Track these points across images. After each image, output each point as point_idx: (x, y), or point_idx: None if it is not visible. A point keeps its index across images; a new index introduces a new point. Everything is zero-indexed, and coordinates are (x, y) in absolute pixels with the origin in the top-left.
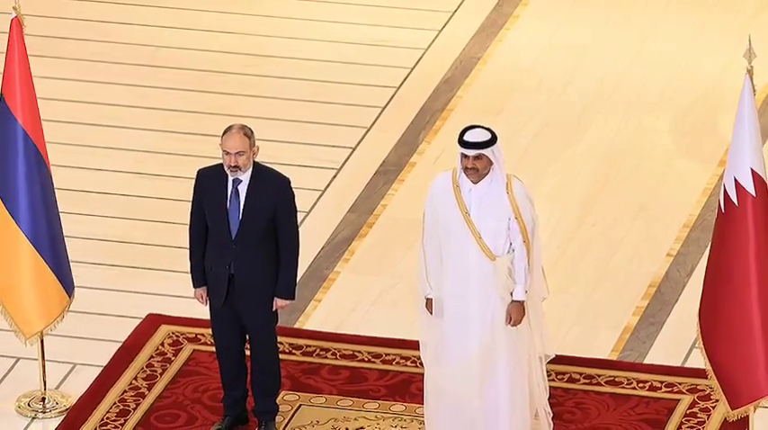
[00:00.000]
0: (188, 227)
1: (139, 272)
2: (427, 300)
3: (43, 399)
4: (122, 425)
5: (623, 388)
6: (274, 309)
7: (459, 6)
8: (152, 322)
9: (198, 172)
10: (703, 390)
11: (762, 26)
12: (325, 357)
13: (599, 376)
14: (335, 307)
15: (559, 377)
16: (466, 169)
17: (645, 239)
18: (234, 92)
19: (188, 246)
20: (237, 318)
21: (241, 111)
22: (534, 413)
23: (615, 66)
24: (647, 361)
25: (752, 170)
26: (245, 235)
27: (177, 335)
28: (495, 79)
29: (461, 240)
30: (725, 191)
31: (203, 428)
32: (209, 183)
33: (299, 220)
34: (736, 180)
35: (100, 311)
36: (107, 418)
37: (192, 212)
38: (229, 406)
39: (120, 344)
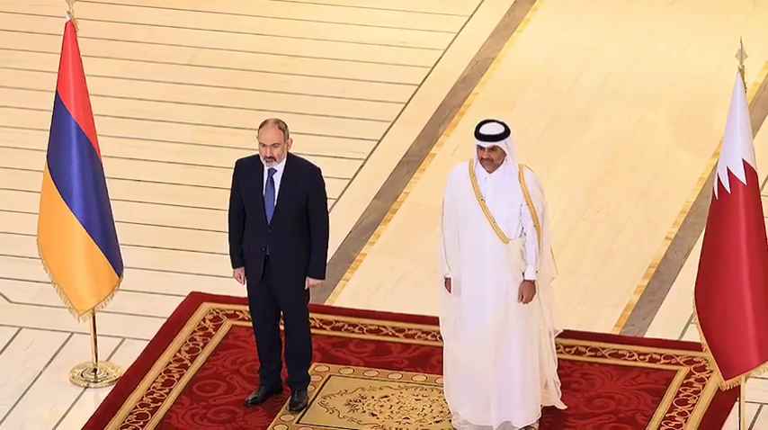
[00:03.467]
0: (227, 212)
1: (183, 253)
2: (446, 279)
3: (95, 370)
4: (167, 393)
5: (625, 360)
6: (306, 287)
7: (475, 11)
8: (194, 300)
9: (236, 162)
10: (699, 362)
11: (752, 29)
12: (353, 332)
13: (603, 349)
14: (362, 286)
15: (567, 350)
16: (481, 160)
17: (645, 224)
18: (269, 89)
19: (227, 230)
20: (272, 296)
21: (275, 107)
22: (544, 383)
23: (618, 65)
24: (647, 335)
25: (743, 161)
26: (280, 220)
27: (217, 312)
28: (508, 77)
29: (477, 225)
30: (718, 180)
31: (241, 397)
32: (247, 172)
33: (329, 207)
34: (728, 170)
35: (147, 290)
36: (153, 388)
37: (230, 199)
38: (265, 376)
39: (166, 319)
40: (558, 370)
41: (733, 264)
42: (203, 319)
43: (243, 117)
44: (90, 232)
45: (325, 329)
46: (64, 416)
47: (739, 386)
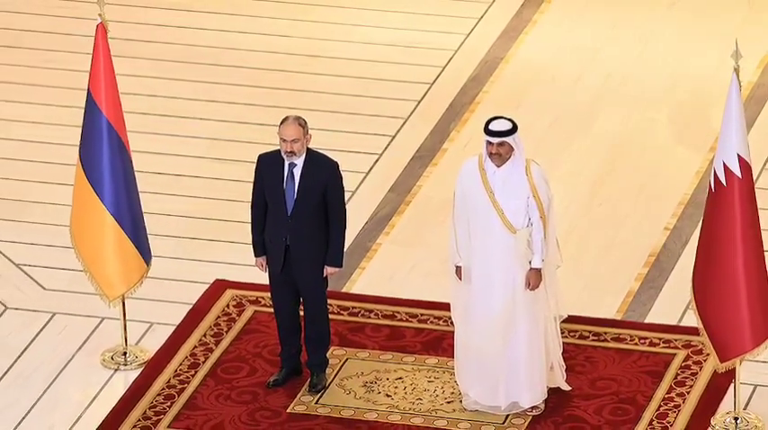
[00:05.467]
0: (250, 204)
1: (208, 243)
2: (457, 267)
3: (125, 354)
4: (193, 375)
5: (627, 344)
6: (325, 275)
7: (484, 13)
8: (219, 287)
9: (258, 157)
10: (696, 346)
11: (747, 31)
12: (369, 317)
13: (606, 333)
14: (377, 274)
15: (571, 334)
16: (490, 154)
17: (645, 215)
18: (289, 87)
19: (250, 221)
20: (293, 284)
21: (296, 104)
22: (550, 365)
23: (620, 65)
24: (647, 320)
25: (738, 155)
26: (300, 211)
27: (240, 299)
28: (515, 77)
29: (486, 216)
30: (715, 173)
31: (263, 379)
32: (269, 166)
33: (346, 199)
34: (724, 164)
35: (174, 277)
36: (180, 370)
37: (253, 192)
38: (285, 359)
39: (191, 306)
40: (562, 353)
41: (728, 252)
42: (227, 305)
43: (265, 114)
44: (120, 223)
45: (342, 315)
46: (95, 397)
47: (734, 368)
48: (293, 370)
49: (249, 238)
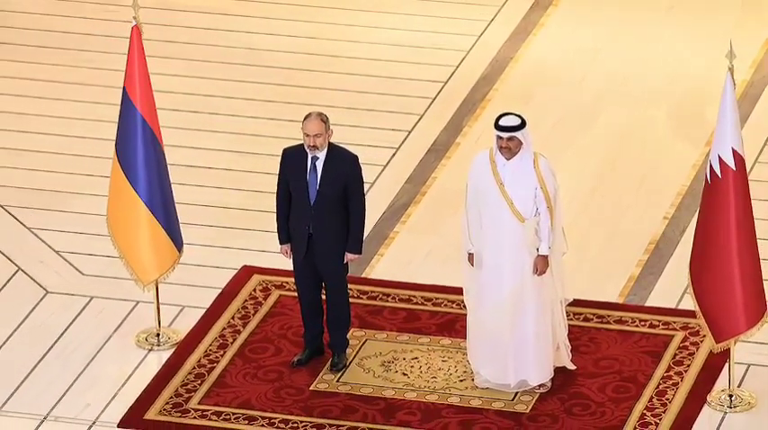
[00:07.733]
0: (275, 195)
1: (236, 232)
2: (469, 254)
3: (158, 335)
4: (222, 355)
5: (628, 325)
6: (345, 261)
7: (495, 16)
8: (246, 272)
9: (283, 150)
10: (693, 328)
11: (741, 33)
12: (387, 301)
13: (608, 316)
14: (395, 260)
15: (576, 317)
16: (500, 148)
17: (646, 206)
18: (312, 85)
19: (275, 211)
20: (315, 269)
21: (318, 101)
22: (556, 346)
23: (622, 65)
24: (647, 304)
25: (733, 149)
26: (322, 201)
27: (266, 283)
28: (524, 75)
29: (497, 206)
30: (711, 166)
31: (287, 359)
32: (293, 159)
33: (365, 190)
34: (720, 157)
35: (204, 264)
36: (209, 350)
37: (278, 183)
38: (308, 340)
39: (220, 290)
40: (568, 334)
41: (723, 240)
42: (254, 290)
43: (289, 110)
44: (153, 212)
45: (362, 298)
46: (131, 376)
47: (729, 349)
48: (316, 350)
49: (274, 227)
